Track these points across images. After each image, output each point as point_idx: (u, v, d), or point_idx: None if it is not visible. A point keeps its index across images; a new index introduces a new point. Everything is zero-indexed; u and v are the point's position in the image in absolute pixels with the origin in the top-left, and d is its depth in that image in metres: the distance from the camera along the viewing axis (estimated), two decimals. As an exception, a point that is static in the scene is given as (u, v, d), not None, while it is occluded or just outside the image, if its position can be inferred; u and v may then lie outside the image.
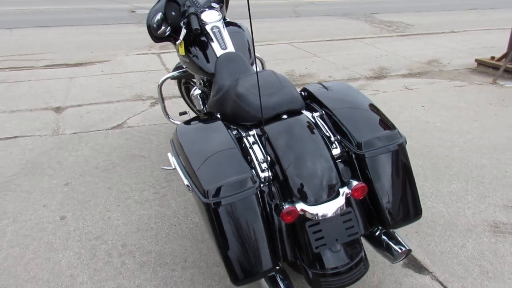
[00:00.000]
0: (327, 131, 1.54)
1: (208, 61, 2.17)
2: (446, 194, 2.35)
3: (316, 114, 1.60)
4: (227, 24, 2.38)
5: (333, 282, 1.36)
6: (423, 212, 2.12)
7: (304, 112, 1.62)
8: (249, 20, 1.23)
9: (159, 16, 2.23)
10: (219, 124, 1.56)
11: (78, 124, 3.32)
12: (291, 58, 5.55)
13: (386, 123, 1.52)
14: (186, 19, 2.21)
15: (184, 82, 3.03)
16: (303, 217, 1.34)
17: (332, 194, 1.37)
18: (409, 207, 1.48)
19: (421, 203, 1.53)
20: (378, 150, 1.45)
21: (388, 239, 1.51)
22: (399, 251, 1.46)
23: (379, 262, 1.83)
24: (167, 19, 2.27)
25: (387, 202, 1.45)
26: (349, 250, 1.38)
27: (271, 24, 8.30)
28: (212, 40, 2.21)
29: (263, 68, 2.93)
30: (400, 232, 2.03)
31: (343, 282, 1.36)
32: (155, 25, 2.22)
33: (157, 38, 2.30)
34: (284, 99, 1.57)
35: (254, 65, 2.49)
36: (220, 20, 2.30)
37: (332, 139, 1.50)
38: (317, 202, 1.35)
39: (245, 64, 2.11)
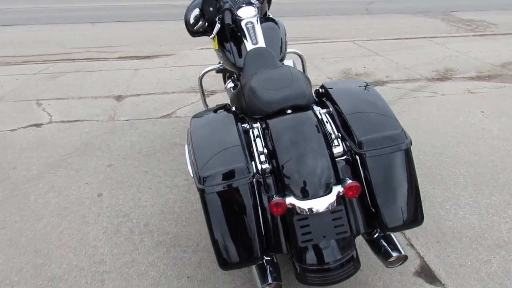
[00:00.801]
0: (332, 129, 1.53)
1: (239, 55, 2.23)
2: (483, 206, 2.19)
3: (323, 111, 1.59)
4: (265, 20, 2.42)
5: (318, 278, 1.36)
6: (451, 222, 2.03)
7: (315, 108, 1.63)
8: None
9: (196, 11, 2.34)
10: (229, 115, 1.62)
11: (133, 112, 3.58)
12: (351, 56, 5.43)
13: (392, 124, 1.47)
14: (220, 15, 2.29)
15: (228, 75, 3.13)
16: (292, 211, 1.36)
17: (324, 191, 1.37)
18: (408, 212, 1.42)
19: (423, 209, 1.47)
20: (380, 151, 1.41)
21: (386, 243, 1.47)
22: (394, 256, 1.42)
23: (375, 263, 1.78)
24: (204, 15, 2.37)
25: (385, 204, 1.41)
26: (339, 248, 1.37)
27: (339, 21, 8.16)
28: (245, 35, 2.26)
29: (302, 64, 2.93)
30: (419, 240, 1.94)
31: (328, 279, 1.36)
32: (191, 21, 2.33)
33: (193, 33, 2.41)
34: (291, 94, 1.59)
35: (287, 61, 2.51)
36: (255, 16, 2.35)
37: (333, 136, 1.48)
38: (307, 198, 1.35)
39: (273, 59, 2.14)
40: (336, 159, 1.48)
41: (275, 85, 1.63)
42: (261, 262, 1.44)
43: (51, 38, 6.96)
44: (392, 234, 1.50)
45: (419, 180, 2.20)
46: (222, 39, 2.36)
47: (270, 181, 1.44)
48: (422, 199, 2.16)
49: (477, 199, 2.25)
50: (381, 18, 8.57)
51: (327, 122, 1.55)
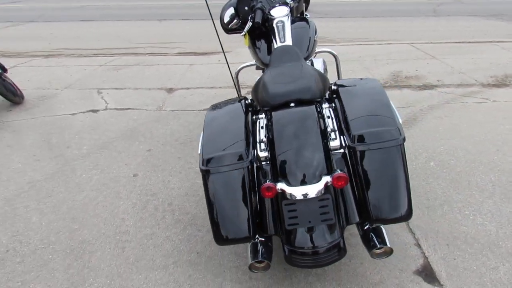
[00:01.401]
0: (333, 123, 1.60)
1: (266, 52, 2.36)
2: (505, 214, 2.13)
3: (326, 106, 1.67)
4: (298, 19, 2.51)
5: (303, 260, 1.45)
6: (467, 227, 2.01)
7: (323, 103, 1.71)
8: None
9: (231, 10, 2.49)
10: (240, 106, 1.76)
11: (179, 103, 3.83)
12: (405, 58, 5.31)
13: (388, 121, 1.52)
14: (253, 13, 2.43)
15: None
16: (282, 196, 1.46)
17: (313, 180, 1.45)
18: (396, 206, 1.47)
19: (412, 205, 1.49)
20: (370, 145, 1.47)
21: (374, 235, 1.52)
22: (379, 247, 1.47)
23: (389, 263, 1.81)
24: (238, 14, 2.51)
25: (373, 197, 1.46)
26: (324, 235, 1.45)
27: (401, 23, 7.94)
28: (274, 33, 2.38)
29: (336, 63, 2.98)
30: (428, 241, 1.95)
31: (312, 262, 1.44)
32: (225, 19, 2.49)
33: (228, 30, 2.56)
34: (296, 88, 1.68)
35: (317, 59, 2.59)
36: (286, 15, 2.45)
37: (329, 129, 1.56)
38: (296, 184, 1.45)
39: (298, 57, 2.23)
40: (333, 152, 1.55)
41: (284, 79, 1.74)
42: (255, 241, 1.55)
43: (121, 33, 7.52)
44: (382, 227, 1.55)
45: (444, 184, 2.20)
46: (253, 36, 2.49)
47: (267, 167, 1.56)
48: (441, 202, 2.17)
49: (501, 207, 2.18)
50: (448, 20, 8.20)
51: (328, 117, 1.63)
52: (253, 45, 2.46)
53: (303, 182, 1.45)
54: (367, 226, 1.55)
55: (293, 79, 1.73)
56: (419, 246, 1.93)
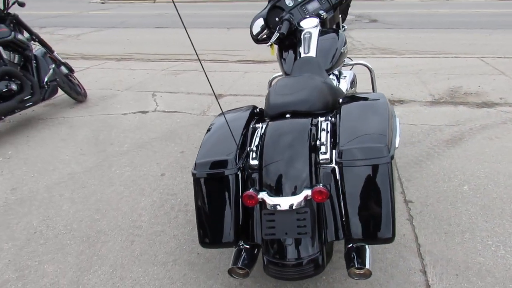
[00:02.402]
0: (326, 137, 1.59)
1: (290, 63, 2.38)
2: (535, 250, 1.93)
3: (322, 119, 1.66)
4: (327, 31, 2.50)
5: (277, 271, 1.45)
6: (484, 258, 1.86)
7: (325, 116, 1.70)
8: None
9: (260, 21, 2.55)
10: (245, 115, 1.81)
11: (224, 109, 3.95)
12: (469, 73, 4.97)
13: (378, 138, 1.47)
14: (280, 24, 2.46)
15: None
16: (262, 205, 1.48)
17: (294, 192, 1.45)
18: (376, 226, 1.42)
19: (395, 227, 1.43)
20: (356, 161, 1.44)
21: (356, 254, 1.47)
22: (356, 266, 1.42)
23: (387, 287, 1.74)
24: (268, 24, 2.56)
25: (354, 215, 1.43)
26: (301, 248, 1.44)
27: (478, 35, 7.42)
28: (300, 44, 2.40)
29: (371, 76, 2.91)
30: (436, 269, 1.83)
31: (285, 274, 1.44)
32: (254, 30, 2.55)
33: (257, 40, 2.62)
34: (293, 100, 1.69)
35: (346, 71, 2.55)
36: (315, 27, 2.46)
37: (319, 143, 1.55)
38: (277, 195, 1.46)
39: (319, 68, 2.23)
40: (323, 166, 1.54)
41: (285, 91, 1.76)
42: (240, 247, 1.58)
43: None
44: (367, 248, 1.50)
45: (473, 210, 2.07)
46: (282, 47, 2.53)
47: (256, 176, 1.58)
48: (463, 229, 2.04)
49: (531, 241, 1.98)
50: (533, 33, 7.51)
51: (323, 130, 1.62)
52: (279, 56, 2.50)
53: (284, 193, 1.46)
54: (351, 245, 1.51)
55: (293, 91, 1.74)
56: (424, 273, 1.83)
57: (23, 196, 2.51)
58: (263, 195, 1.47)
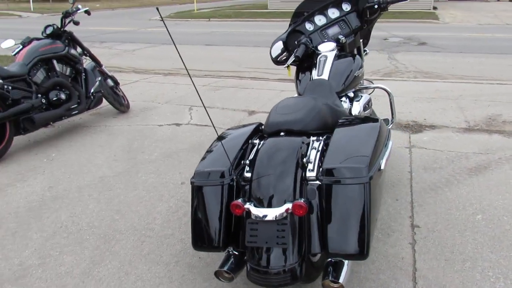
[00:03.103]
0: (316, 155, 1.68)
1: (303, 84, 2.50)
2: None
3: (314, 139, 1.76)
4: (346, 55, 2.60)
5: (257, 277, 1.55)
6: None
7: (319, 136, 1.80)
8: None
9: (279, 44, 2.69)
10: (247, 131, 1.94)
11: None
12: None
13: (361, 159, 1.55)
14: (297, 47, 2.59)
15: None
16: (248, 215, 1.60)
17: (276, 204, 1.56)
18: (351, 244, 1.48)
19: (369, 245, 1.49)
20: (335, 180, 1.52)
21: (333, 268, 1.54)
22: (329, 279, 1.49)
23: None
24: (288, 47, 2.70)
25: (330, 230, 1.51)
26: (280, 257, 1.53)
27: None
28: (315, 67, 2.51)
29: (390, 101, 2.94)
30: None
31: (263, 281, 1.53)
32: (273, 52, 2.70)
33: (276, 62, 2.76)
34: (289, 120, 1.81)
35: (365, 95, 2.61)
36: (332, 50, 2.56)
37: (306, 161, 1.64)
38: (261, 206, 1.57)
39: (329, 90, 2.33)
40: (309, 182, 1.63)
41: (284, 111, 1.88)
42: (229, 253, 1.70)
43: (236, 58, 8.22)
44: (346, 264, 1.56)
45: (481, 240, 2.08)
46: (299, 68, 2.65)
47: (248, 187, 1.70)
48: (466, 258, 2.05)
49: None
50: None
51: (314, 148, 1.72)
52: (296, 77, 2.62)
53: (268, 205, 1.57)
54: (330, 259, 1.58)
55: (291, 111, 1.86)
56: (413, 296, 1.84)
57: (57, 194, 2.79)
58: (249, 205, 1.59)
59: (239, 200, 1.60)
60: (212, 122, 1.67)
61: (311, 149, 1.72)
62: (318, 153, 1.69)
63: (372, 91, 3.11)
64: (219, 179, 1.68)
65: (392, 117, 2.99)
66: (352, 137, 1.70)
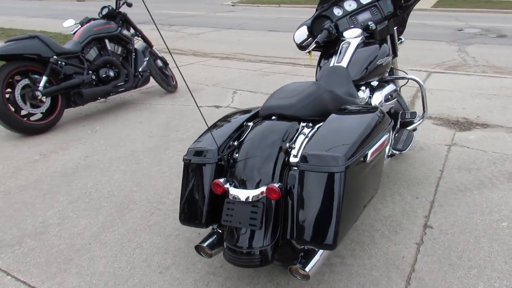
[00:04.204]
0: (303, 141, 1.66)
1: (322, 71, 2.44)
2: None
3: (303, 124, 1.73)
4: (372, 43, 2.49)
5: (230, 257, 1.58)
6: None
7: (316, 121, 1.77)
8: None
9: (303, 28, 2.64)
10: (248, 114, 1.96)
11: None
12: None
13: (341, 148, 1.50)
14: (320, 33, 2.53)
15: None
16: (226, 194, 1.63)
17: (253, 186, 1.57)
18: (320, 232, 1.46)
19: (338, 235, 1.45)
20: (310, 166, 1.50)
21: (303, 254, 1.53)
22: (296, 267, 1.48)
23: None
24: (313, 32, 2.64)
25: (301, 218, 1.49)
26: (253, 239, 1.55)
27: None
28: (336, 53, 2.45)
29: (421, 93, 2.77)
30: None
31: (235, 261, 1.56)
32: (295, 36, 2.66)
33: (301, 47, 2.71)
34: (281, 104, 1.79)
35: (390, 85, 2.50)
36: (356, 37, 2.48)
37: (287, 146, 1.63)
38: (238, 187, 1.60)
39: (345, 78, 2.27)
40: (292, 168, 1.62)
41: (281, 95, 1.87)
42: (213, 230, 1.76)
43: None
44: (317, 254, 1.54)
45: (498, 248, 2.01)
46: (322, 55, 2.60)
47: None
48: (473, 265, 1.97)
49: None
50: None
51: (303, 134, 1.69)
52: (318, 63, 2.57)
53: (246, 187, 1.59)
54: (303, 246, 1.57)
55: (287, 96, 1.84)
56: (402, 297, 1.76)
57: (90, 163, 3.02)
58: (229, 185, 1.62)
59: (221, 180, 1.64)
60: (197, 105, 1.70)
61: (300, 134, 1.70)
62: (306, 140, 1.67)
63: (407, 82, 2.95)
64: (206, 158, 1.72)
65: (424, 111, 2.82)
66: (341, 125, 1.65)
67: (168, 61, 4.77)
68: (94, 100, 3.95)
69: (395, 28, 2.74)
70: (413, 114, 2.66)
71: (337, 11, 2.62)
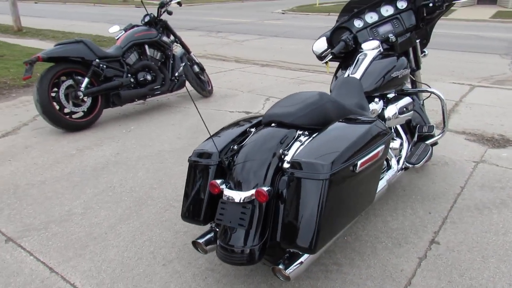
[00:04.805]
0: (298, 148, 1.73)
1: (335, 82, 2.49)
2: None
3: (300, 132, 1.80)
4: (390, 55, 2.51)
5: (221, 255, 1.67)
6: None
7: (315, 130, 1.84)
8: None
9: (322, 40, 2.70)
10: (254, 119, 2.06)
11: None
12: None
13: (328, 157, 1.55)
14: (337, 44, 2.57)
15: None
16: (222, 195, 1.72)
17: (245, 189, 1.66)
18: (301, 237, 1.51)
19: (317, 241, 1.50)
20: (296, 173, 1.56)
21: (287, 256, 1.60)
22: (278, 265, 1.55)
23: None
24: (332, 43, 2.68)
25: (285, 221, 1.56)
26: (241, 238, 1.64)
27: None
28: (352, 65, 2.48)
29: (442, 106, 2.73)
30: None
31: (224, 258, 1.65)
32: (314, 47, 2.71)
33: (320, 58, 2.76)
34: (281, 112, 1.87)
35: (406, 98, 2.51)
36: (374, 49, 2.50)
37: (281, 152, 1.70)
38: (232, 189, 1.69)
39: (357, 89, 2.31)
40: (284, 173, 1.69)
41: (284, 103, 1.94)
42: (212, 228, 1.86)
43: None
44: (301, 258, 1.60)
45: (505, 270, 2.05)
46: (340, 65, 2.64)
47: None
48: (475, 285, 1.93)
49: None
50: None
51: (299, 142, 1.76)
52: (334, 73, 2.62)
53: (239, 189, 1.68)
54: (290, 249, 1.63)
55: (289, 104, 1.91)
56: (392, 308, 1.77)
57: (119, 160, 3.24)
58: (224, 186, 1.72)
59: (218, 181, 1.74)
60: (197, 109, 1.80)
61: (296, 142, 1.77)
62: (302, 147, 1.73)
63: (429, 95, 2.91)
64: (208, 159, 1.83)
65: (444, 126, 2.77)
66: (335, 134, 1.70)
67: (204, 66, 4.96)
68: (131, 102, 4.20)
69: (417, 40, 2.73)
70: (431, 128, 2.63)
71: (358, 23, 2.65)
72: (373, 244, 2.20)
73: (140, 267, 2.03)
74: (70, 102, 3.74)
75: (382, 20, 2.65)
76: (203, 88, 4.87)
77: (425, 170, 3.02)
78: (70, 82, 3.73)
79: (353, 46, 2.55)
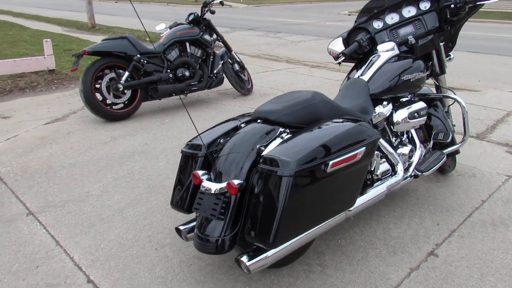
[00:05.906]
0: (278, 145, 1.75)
1: (344, 82, 2.46)
2: None
3: (281, 130, 1.81)
4: (408, 57, 2.43)
5: (195, 242, 1.74)
6: None
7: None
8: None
9: (338, 40, 2.66)
10: (247, 117, 2.10)
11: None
12: None
13: (296, 154, 1.56)
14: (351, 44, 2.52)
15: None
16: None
17: (221, 180, 1.71)
18: (261, 230, 1.54)
19: (277, 236, 1.51)
20: (264, 168, 1.59)
21: (253, 249, 1.63)
22: (242, 259, 1.59)
23: None
24: (349, 44, 2.64)
25: (249, 215, 1.60)
26: (212, 228, 1.69)
27: None
28: (364, 66, 2.44)
29: (462, 113, 2.57)
30: None
31: (198, 246, 1.72)
32: (329, 47, 2.68)
33: (335, 58, 2.72)
34: (268, 110, 1.90)
35: (419, 102, 2.42)
36: (388, 51, 2.43)
37: (257, 147, 1.73)
38: (211, 180, 1.75)
39: (362, 91, 2.27)
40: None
41: (274, 101, 1.97)
42: (197, 216, 1.94)
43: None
44: (266, 253, 1.62)
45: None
46: (355, 66, 2.60)
47: None
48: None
49: None
50: None
51: (281, 138, 1.78)
52: (347, 74, 2.58)
53: (218, 180, 1.74)
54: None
55: (279, 102, 1.94)
56: (364, 314, 1.73)
57: (146, 149, 3.43)
58: (204, 177, 1.79)
59: (199, 171, 1.81)
60: (189, 114, 1.88)
61: (277, 138, 1.79)
62: (280, 144, 1.75)
63: (453, 102, 2.76)
64: (196, 151, 1.91)
65: (465, 134, 2.61)
66: (314, 133, 1.69)
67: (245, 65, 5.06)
68: (169, 96, 4.41)
69: (441, 43, 2.60)
70: (446, 136, 2.49)
71: (377, 24, 2.58)
72: (366, 250, 2.15)
73: (134, 249, 2.16)
74: (111, 94, 4.02)
75: (403, 22, 2.56)
76: (242, 86, 4.97)
77: (448, 180, 2.87)
78: (112, 75, 4.01)
79: (368, 47, 2.49)
